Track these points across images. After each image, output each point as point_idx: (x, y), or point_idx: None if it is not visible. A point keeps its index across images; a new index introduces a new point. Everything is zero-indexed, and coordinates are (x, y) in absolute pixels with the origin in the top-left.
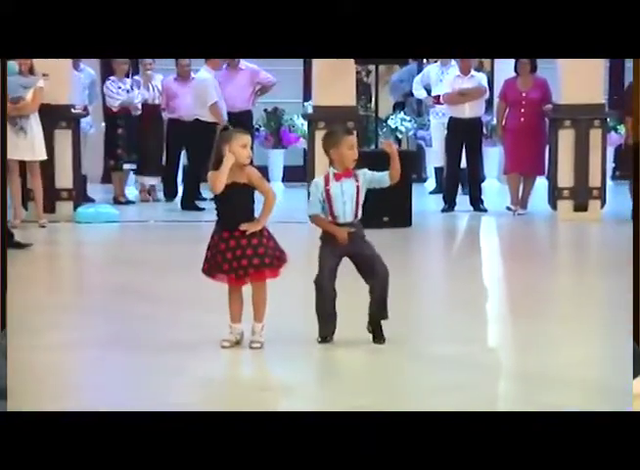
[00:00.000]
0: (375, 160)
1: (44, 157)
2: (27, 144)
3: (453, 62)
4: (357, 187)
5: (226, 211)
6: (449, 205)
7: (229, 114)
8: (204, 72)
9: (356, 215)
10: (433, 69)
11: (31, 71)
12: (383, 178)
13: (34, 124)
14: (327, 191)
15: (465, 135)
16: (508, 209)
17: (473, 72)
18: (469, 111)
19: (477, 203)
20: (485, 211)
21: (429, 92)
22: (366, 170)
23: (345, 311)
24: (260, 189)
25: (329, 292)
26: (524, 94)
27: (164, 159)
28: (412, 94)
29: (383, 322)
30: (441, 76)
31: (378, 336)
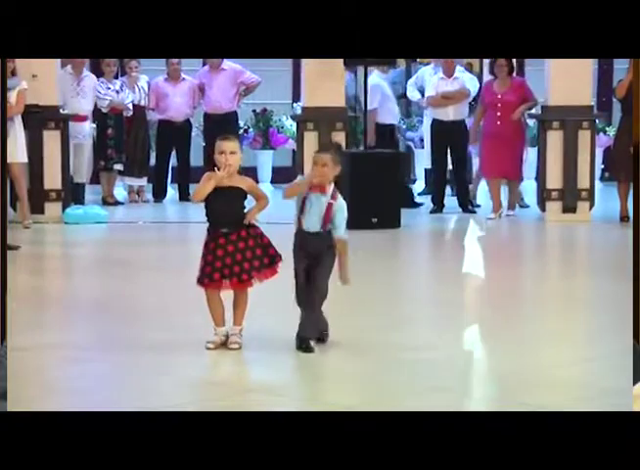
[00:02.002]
0: (364, 161)
1: (25, 159)
2: (11, 146)
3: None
4: (330, 205)
5: (219, 214)
6: (438, 206)
7: (214, 115)
8: (374, 77)
9: (324, 229)
10: (426, 70)
11: (14, 73)
12: (336, 230)
13: (18, 127)
14: (303, 199)
15: (449, 138)
16: (489, 219)
17: (457, 74)
18: (453, 113)
19: (465, 204)
20: (475, 212)
21: (422, 94)
22: (343, 209)
23: (328, 314)
24: (257, 195)
25: (302, 287)
26: (499, 96)
27: (155, 159)
28: (405, 96)
29: (373, 322)
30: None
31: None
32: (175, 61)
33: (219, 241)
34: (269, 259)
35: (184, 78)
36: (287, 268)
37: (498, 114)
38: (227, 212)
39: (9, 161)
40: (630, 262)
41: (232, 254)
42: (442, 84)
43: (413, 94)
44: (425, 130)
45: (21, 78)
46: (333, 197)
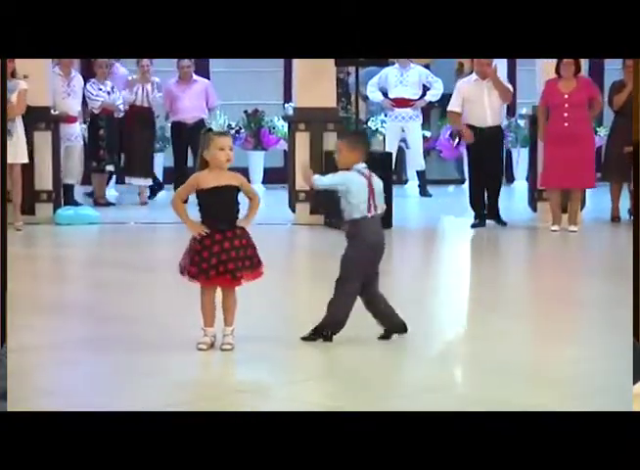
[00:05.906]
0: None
1: (26, 160)
2: (12, 147)
3: (412, 64)
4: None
5: (216, 212)
6: (480, 219)
7: (185, 124)
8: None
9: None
10: (391, 71)
11: (13, 75)
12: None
13: (19, 127)
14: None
15: (486, 145)
16: (554, 231)
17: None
18: (491, 119)
19: (495, 216)
20: (505, 224)
21: (385, 95)
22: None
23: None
24: (249, 193)
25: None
26: (566, 96)
27: (173, 162)
28: (367, 97)
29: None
30: (401, 78)
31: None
32: (186, 63)
33: (216, 237)
34: (258, 259)
35: (195, 80)
36: (274, 270)
37: (565, 114)
38: (222, 210)
39: (12, 161)
40: (625, 263)
41: (227, 251)
42: (482, 88)
43: (374, 95)
44: (388, 132)
45: (19, 80)
46: None
